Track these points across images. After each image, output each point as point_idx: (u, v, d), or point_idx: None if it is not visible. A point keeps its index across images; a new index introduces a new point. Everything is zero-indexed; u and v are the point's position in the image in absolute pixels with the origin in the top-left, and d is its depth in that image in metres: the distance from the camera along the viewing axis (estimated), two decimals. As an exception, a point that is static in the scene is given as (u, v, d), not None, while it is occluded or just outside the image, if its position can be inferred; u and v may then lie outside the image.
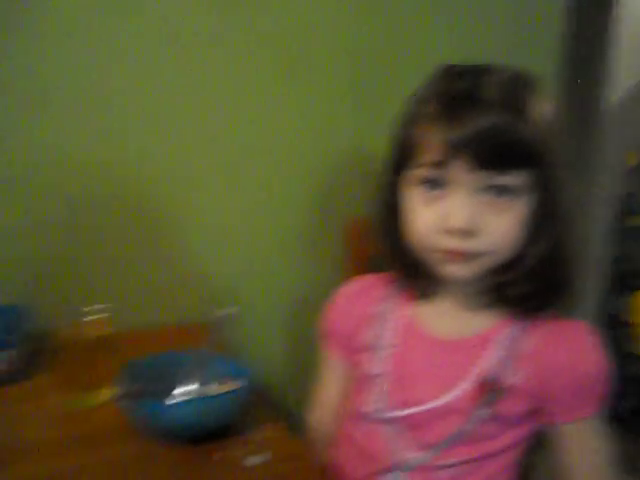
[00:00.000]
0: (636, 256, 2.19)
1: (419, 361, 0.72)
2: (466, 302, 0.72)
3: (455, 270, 0.66)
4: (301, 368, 1.20)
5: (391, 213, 0.72)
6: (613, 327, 2.21)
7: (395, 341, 0.74)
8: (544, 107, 0.64)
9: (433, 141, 0.62)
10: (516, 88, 0.63)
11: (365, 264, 1.11)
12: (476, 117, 0.60)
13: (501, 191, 0.62)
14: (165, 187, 1.05)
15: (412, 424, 0.71)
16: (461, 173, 0.62)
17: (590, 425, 0.69)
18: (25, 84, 0.93)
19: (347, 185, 1.18)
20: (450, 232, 0.63)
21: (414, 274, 0.73)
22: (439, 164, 0.62)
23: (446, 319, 0.73)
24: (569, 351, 0.68)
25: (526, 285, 0.67)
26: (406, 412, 0.71)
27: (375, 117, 1.16)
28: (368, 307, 0.78)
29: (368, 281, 0.82)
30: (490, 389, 0.67)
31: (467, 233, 0.62)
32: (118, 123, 0.99)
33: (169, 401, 0.75)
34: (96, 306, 0.81)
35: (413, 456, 0.70)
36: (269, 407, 0.81)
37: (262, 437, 0.73)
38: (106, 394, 0.78)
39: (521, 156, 0.61)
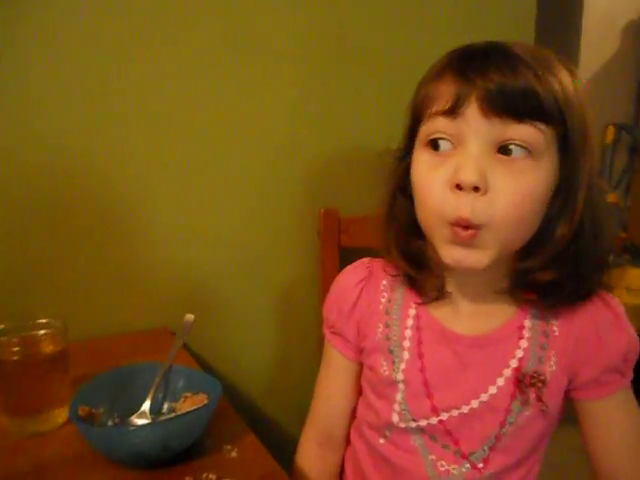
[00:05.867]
0: (610, 233, 2.18)
1: (445, 362, 0.66)
2: (483, 292, 0.66)
3: (461, 257, 0.58)
4: (279, 375, 1.14)
5: (403, 193, 0.66)
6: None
7: (414, 342, 0.68)
8: (564, 72, 0.58)
9: (443, 90, 0.58)
10: (534, 50, 0.58)
11: (337, 256, 1.06)
12: (488, 63, 0.56)
13: (519, 150, 0.56)
14: (118, 184, 0.96)
15: (445, 431, 0.66)
16: (474, 121, 0.56)
17: (620, 399, 0.65)
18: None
19: (319, 177, 1.12)
20: (459, 189, 0.55)
21: (423, 269, 0.66)
22: (451, 111, 0.56)
23: (464, 313, 0.67)
24: (597, 328, 0.63)
25: (551, 271, 0.60)
26: (438, 419, 0.66)
27: (351, 109, 1.12)
28: (375, 299, 0.71)
29: (371, 267, 0.73)
30: (530, 383, 0.63)
31: (477, 190, 0.55)
32: (67, 122, 0.91)
33: (132, 423, 0.69)
34: (45, 320, 0.73)
35: (452, 467, 0.65)
36: (243, 421, 0.74)
37: (237, 456, 0.66)
38: (60, 417, 0.71)
39: (538, 104, 0.55)
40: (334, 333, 0.75)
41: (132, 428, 0.67)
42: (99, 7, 0.89)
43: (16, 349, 0.68)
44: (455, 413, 0.65)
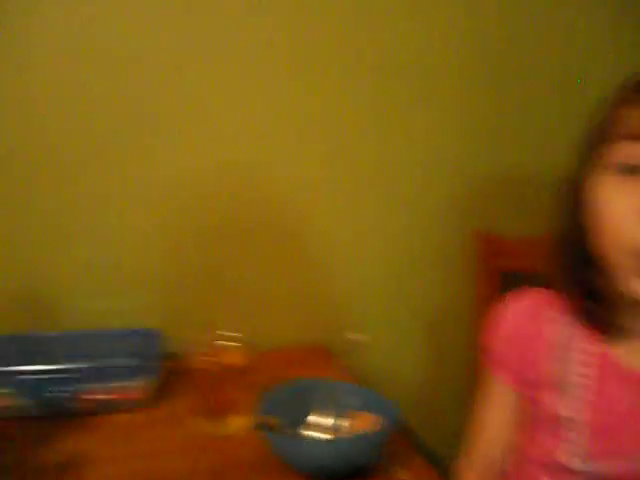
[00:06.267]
0: None
1: (622, 403, 0.62)
2: None
3: None
4: (439, 398, 1.15)
5: (576, 220, 0.63)
6: None
7: (589, 379, 0.64)
8: None
9: (637, 114, 0.55)
10: None
11: (497, 281, 1.05)
12: None
13: None
14: (293, 209, 1.04)
15: (618, 478, 0.62)
16: None
17: None
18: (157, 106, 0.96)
19: (475, 200, 1.12)
20: None
21: (598, 302, 0.63)
22: None
23: None
24: None
25: None
26: (610, 464, 0.62)
27: (513, 130, 1.11)
28: (543, 331, 0.68)
29: (539, 298, 0.70)
30: None
31: None
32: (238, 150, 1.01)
33: (307, 435, 0.73)
34: (230, 333, 0.80)
35: None
36: (408, 443, 0.76)
37: (407, 478, 0.69)
38: (240, 423, 0.77)
39: None
40: (497, 364, 0.73)
41: (323, 441, 0.71)
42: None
43: (213, 359, 0.77)
44: (631, 460, 0.61)
